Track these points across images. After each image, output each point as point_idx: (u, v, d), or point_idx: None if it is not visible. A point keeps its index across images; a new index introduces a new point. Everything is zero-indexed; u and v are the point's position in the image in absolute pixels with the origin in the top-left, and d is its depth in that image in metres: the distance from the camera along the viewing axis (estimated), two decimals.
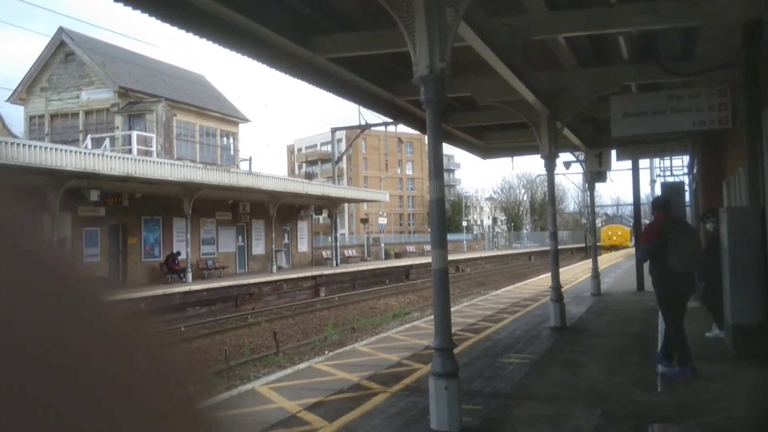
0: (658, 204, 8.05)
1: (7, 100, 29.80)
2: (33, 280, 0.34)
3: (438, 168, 5.80)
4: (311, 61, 9.71)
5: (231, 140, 34.79)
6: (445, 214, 5.94)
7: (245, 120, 35.50)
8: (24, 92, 30.03)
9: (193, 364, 0.38)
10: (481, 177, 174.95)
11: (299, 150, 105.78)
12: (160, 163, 23.42)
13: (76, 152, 19.94)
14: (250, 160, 34.37)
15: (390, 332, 12.31)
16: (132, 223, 26.55)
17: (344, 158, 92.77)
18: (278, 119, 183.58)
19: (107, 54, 29.49)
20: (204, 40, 8.02)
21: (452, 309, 16.06)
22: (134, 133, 26.50)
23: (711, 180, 12.96)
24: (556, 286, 11.67)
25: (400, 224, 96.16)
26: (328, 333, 21.05)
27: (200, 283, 26.08)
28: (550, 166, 11.79)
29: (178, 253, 27.47)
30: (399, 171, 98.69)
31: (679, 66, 10.28)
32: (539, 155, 12.27)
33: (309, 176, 78.02)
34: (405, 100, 12.68)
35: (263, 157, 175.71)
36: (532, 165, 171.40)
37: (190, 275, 26.72)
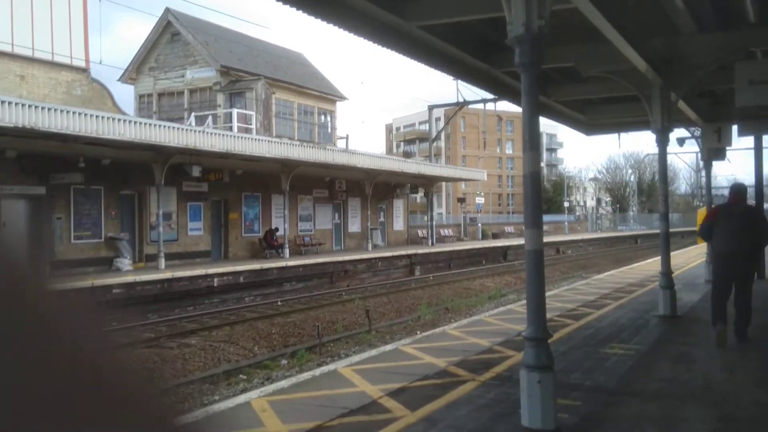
0: (731, 190, 9.26)
1: (119, 80, 31.24)
2: None
3: (533, 139, 5.23)
4: (403, 30, 9.26)
5: (328, 118, 34.98)
6: (541, 189, 5.37)
7: (342, 98, 35.58)
8: (134, 72, 31.35)
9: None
10: (585, 156, 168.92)
11: (397, 129, 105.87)
12: (258, 140, 23.79)
13: (177, 129, 20.50)
14: (347, 138, 34.41)
15: (482, 315, 11.81)
16: (233, 198, 27.22)
17: (442, 137, 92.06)
18: (376, 97, 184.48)
19: (210, 33, 30.24)
20: (292, 8, 7.77)
21: (550, 293, 15.34)
22: (234, 111, 27.07)
23: None
24: (667, 271, 10.73)
25: (499, 204, 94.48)
26: (422, 312, 20.75)
27: (297, 258, 26.45)
28: (663, 142, 10.80)
29: (277, 229, 27.95)
30: (498, 150, 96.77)
31: None
32: (650, 130, 11.29)
33: (407, 155, 77.91)
34: (502, 71, 12.00)
35: (360, 135, 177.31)
36: (640, 143, 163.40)
37: (287, 251, 27.15)
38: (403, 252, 32.17)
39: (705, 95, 14.37)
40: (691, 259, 23.83)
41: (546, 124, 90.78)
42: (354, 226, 34.44)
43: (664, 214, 10.85)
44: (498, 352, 8.20)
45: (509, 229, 54.91)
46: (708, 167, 16.76)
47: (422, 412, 5.62)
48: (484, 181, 47.35)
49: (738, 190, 9.21)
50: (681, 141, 18.86)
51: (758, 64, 9.30)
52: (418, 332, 13.83)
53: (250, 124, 27.62)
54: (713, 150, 15.08)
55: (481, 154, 69.03)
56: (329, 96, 34.79)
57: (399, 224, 39.26)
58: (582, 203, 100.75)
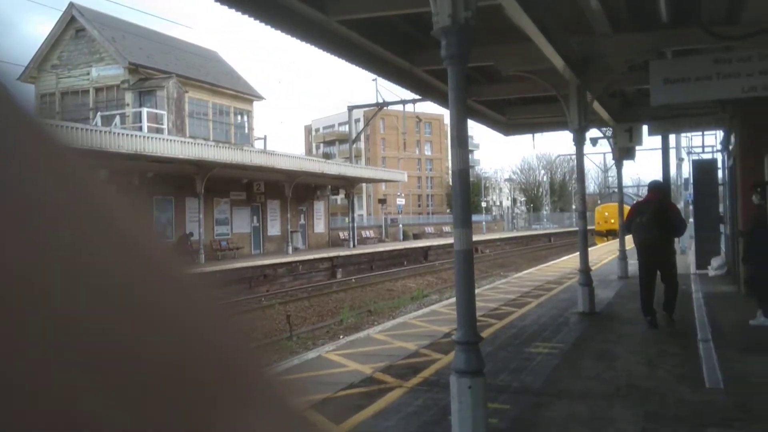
0: (648, 187, 10.41)
1: (18, 79, 29.23)
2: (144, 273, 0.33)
3: (461, 135, 5.04)
4: (323, 24, 8.94)
5: (245, 118, 34.10)
6: (470, 187, 5.18)
7: (259, 97, 34.76)
8: (35, 70, 29.50)
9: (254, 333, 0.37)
10: (501, 158, 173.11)
11: (317, 130, 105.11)
12: (170, 140, 22.82)
13: (80, 129, 19.36)
14: (264, 138, 33.66)
15: (407, 317, 11.61)
16: (145, 203, 25.98)
17: (362, 138, 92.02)
18: (295, 99, 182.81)
19: (117, 29, 28.85)
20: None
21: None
22: (144, 110, 25.89)
23: (751, 155, 12.02)
24: (585, 268, 10.88)
25: (419, 205, 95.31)
26: (344, 316, 20.45)
27: (213, 264, 25.57)
28: (580, 141, 10.94)
29: (191, 234, 26.95)
30: (417, 151, 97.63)
31: (724, 30, 9.35)
32: (566, 130, 11.44)
33: (327, 156, 77.32)
34: (424, 70, 11.86)
35: (280, 136, 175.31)
36: (551, 145, 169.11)
37: (203, 257, 26.22)
38: (324, 255, 31.76)
39: (616, 96, 14.76)
40: (603, 256, 24.61)
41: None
42: (274, 229, 33.71)
43: (582, 213, 11.00)
44: (425, 355, 8.00)
45: (429, 229, 55.40)
46: (619, 166, 17.27)
47: (348, 424, 5.32)
48: (404, 183, 47.54)
49: (653, 186, 10.15)
50: (594, 141, 19.41)
51: (672, 63, 9.52)
52: (341, 337, 13.54)
53: (162, 124, 26.51)
54: (624, 149, 15.53)
55: (401, 156, 69.40)
56: (245, 95, 33.92)
57: (320, 226, 38.79)
58: (498, 203, 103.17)
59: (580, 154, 11.18)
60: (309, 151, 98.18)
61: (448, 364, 7.34)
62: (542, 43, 8.75)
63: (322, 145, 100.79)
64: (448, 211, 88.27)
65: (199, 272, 0.36)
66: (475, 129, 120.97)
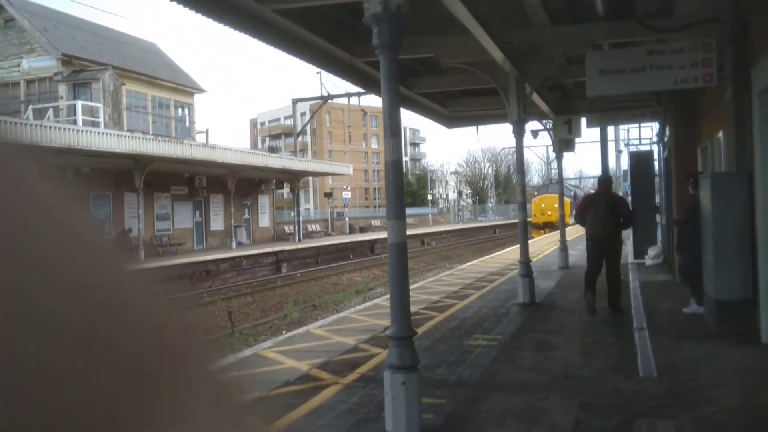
0: (598, 181, 10.92)
1: None
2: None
3: (394, 125, 4.91)
4: (257, 14, 8.68)
5: (186, 111, 33.28)
6: (403, 178, 5.06)
7: (200, 90, 33.97)
8: None
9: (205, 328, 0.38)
10: (448, 151, 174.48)
11: (262, 124, 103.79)
12: (106, 134, 22.04)
13: (12, 123, 18.52)
14: (207, 132, 32.97)
15: (348, 312, 11.48)
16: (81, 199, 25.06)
17: (308, 132, 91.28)
18: (241, 92, 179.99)
19: (50, 19, 27.69)
20: None
21: (416, 285, 15.31)
22: (79, 103, 24.94)
23: (685, 146, 12.33)
24: (525, 260, 10.94)
25: (366, 198, 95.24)
26: (288, 311, 20.19)
27: (153, 260, 24.89)
28: (519, 133, 10.98)
29: (130, 230, 26.14)
30: (364, 145, 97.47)
31: (657, 22, 9.50)
32: (506, 122, 11.45)
33: (272, 150, 76.36)
34: (364, 61, 11.69)
35: (224, 130, 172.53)
36: (496, 139, 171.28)
37: (142, 253, 25.49)
38: (269, 249, 31.32)
39: (555, 89, 14.92)
40: (545, 246, 24.99)
41: (409, 119, 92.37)
42: (217, 224, 33.07)
43: (522, 204, 11.05)
44: (363, 350, 7.88)
45: (376, 222, 55.35)
46: (559, 158, 17.51)
47: (281, 424, 5.14)
48: (351, 176, 47.31)
49: (603, 180, 10.79)
50: (535, 133, 19.62)
51: (607, 54, 9.60)
52: (284, 332, 13.30)
53: (98, 118, 25.60)
54: (564, 141, 15.74)
55: (346, 149, 69.11)
56: (186, 88, 33.09)
57: (265, 221, 38.27)
58: (445, 196, 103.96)
59: (519, 146, 11.23)
60: (255, 145, 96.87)
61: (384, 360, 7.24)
62: (480, 34, 8.70)
63: (267, 138, 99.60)
64: None
65: (141, 268, 0.36)
66: (422, 122, 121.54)
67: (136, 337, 0.32)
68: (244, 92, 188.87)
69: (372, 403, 5.59)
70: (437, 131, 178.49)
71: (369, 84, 12.85)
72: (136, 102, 29.90)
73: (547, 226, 40.84)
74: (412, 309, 10.77)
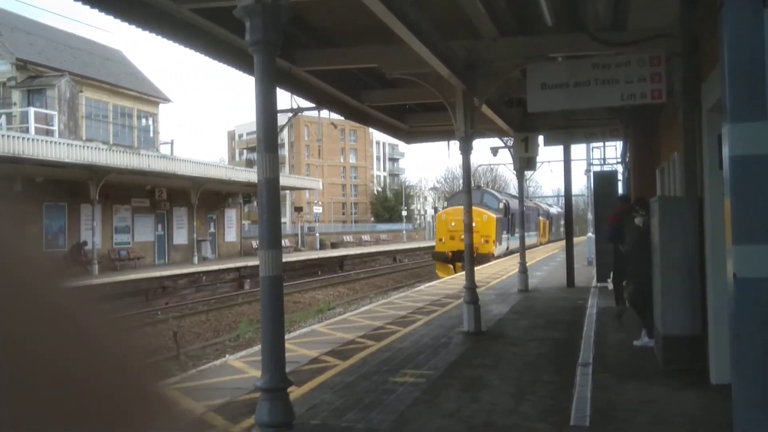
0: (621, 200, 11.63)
1: None
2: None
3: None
4: (174, 14, 7.97)
5: (150, 121, 32.38)
6: (279, 199, 4.33)
7: (165, 100, 33.11)
8: None
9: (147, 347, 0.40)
10: (426, 166, 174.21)
11: (240, 136, 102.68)
12: (57, 143, 21.11)
13: None
14: (171, 143, 32.22)
15: (287, 337, 10.68)
16: (31, 209, 24.06)
17: (285, 145, 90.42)
18: (218, 103, 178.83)
19: (5, 23, 26.76)
20: None
21: (364, 309, 14.54)
22: (32, 110, 24.00)
23: (644, 168, 11.77)
24: (471, 285, 10.25)
25: (343, 213, 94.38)
26: (241, 331, 19.35)
27: (107, 275, 23.86)
28: (466, 150, 10.34)
29: (85, 243, 25.16)
30: (342, 159, 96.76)
31: (610, 36, 8.94)
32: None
33: (249, 163, 75.33)
34: (305, 70, 11.01)
35: (202, 142, 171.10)
36: (476, 155, 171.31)
37: (96, 267, 24.48)
38: (231, 265, 30.40)
39: (513, 104, 14.34)
40: (512, 267, 24.35)
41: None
42: (180, 237, 32.07)
43: (468, 226, 10.36)
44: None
45: (348, 238, 54.58)
46: (520, 177, 16.90)
47: None
48: (327, 190, 46.60)
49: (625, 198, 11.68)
50: (494, 150, 19.04)
51: (550, 66, 8.95)
52: (229, 354, 12.46)
53: (52, 126, 24.65)
54: (524, 160, 15.14)
55: (322, 163, 68.39)
56: (150, 97, 32.20)
57: (231, 235, 37.33)
58: (423, 212, 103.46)
59: (467, 163, 10.58)
60: (232, 158, 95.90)
61: (300, 398, 6.48)
62: (416, 44, 8.04)
63: (246, 151, 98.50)
64: (372, 219, 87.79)
65: (85, 285, 0.36)
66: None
67: (73, 354, 0.31)
68: (221, 103, 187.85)
69: None
70: (416, 147, 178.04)
71: (311, 94, 12.18)
72: (97, 111, 28.98)
73: (458, 258, 26.15)
74: (350, 337, 10.07)
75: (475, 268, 25.93)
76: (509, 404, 6.30)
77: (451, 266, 28.00)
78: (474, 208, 24.69)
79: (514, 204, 32.33)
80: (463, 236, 22.78)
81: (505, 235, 32.22)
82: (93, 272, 24.24)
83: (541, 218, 47.91)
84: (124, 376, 0.33)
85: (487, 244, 28.60)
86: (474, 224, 24.44)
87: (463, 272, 18.96)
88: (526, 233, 33.11)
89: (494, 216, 29.51)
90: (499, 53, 9.97)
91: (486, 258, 27.54)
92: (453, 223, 27.97)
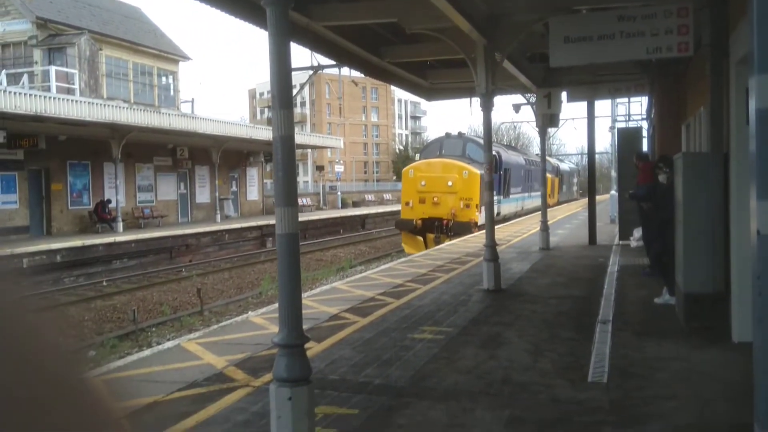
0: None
1: None
2: None
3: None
4: None
5: (170, 79, 32.34)
6: (294, 156, 4.29)
7: (185, 57, 32.98)
8: None
9: (71, 330, 0.38)
10: (449, 124, 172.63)
11: (261, 95, 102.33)
12: (78, 101, 21.19)
13: None
14: (192, 101, 32.16)
15: (304, 295, 10.78)
16: (56, 167, 24.36)
17: (307, 104, 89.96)
18: (239, 61, 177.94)
19: None
20: None
21: (384, 266, 14.63)
22: (53, 69, 24.06)
23: (669, 123, 11.50)
24: (491, 243, 10.20)
25: (365, 172, 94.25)
26: (263, 288, 19.56)
27: (132, 233, 24.20)
28: (487, 107, 10.16)
29: (109, 201, 25.46)
30: (364, 117, 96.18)
31: None
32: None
33: (270, 122, 75.07)
34: (323, 25, 10.84)
35: (221, 100, 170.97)
36: (499, 112, 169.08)
37: (120, 225, 24.80)
38: (254, 223, 30.62)
39: (537, 59, 14.03)
40: (534, 225, 24.21)
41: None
42: (203, 196, 32.33)
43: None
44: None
45: (370, 197, 54.58)
46: (542, 134, 16.65)
47: None
48: (349, 149, 46.46)
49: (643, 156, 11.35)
50: (516, 107, 18.72)
51: (574, 19, 8.68)
52: (253, 310, 12.64)
53: (73, 84, 24.72)
54: (547, 116, 14.88)
55: (344, 121, 68.03)
56: (170, 55, 32.09)
57: (254, 194, 37.53)
58: None
59: (488, 121, 10.42)
60: (253, 116, 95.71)
61: (316, 354, 6.56)
62: (440, 2, 7.84)
63: (267, 109, 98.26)
64: (394, 178, 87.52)
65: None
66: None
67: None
68: (242, 62, 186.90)
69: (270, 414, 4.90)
70: (438, 104, 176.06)
71: (332, 50, 12.02)
72: (117, 69, 28.99)
73: (436, 227, 22.06)
74: (371, 294, 10.13)
75: (509, 223, 25.29)
76: (527, 361, 6.32)
77: (421, 239, 22.40)
78: (452, 161, 21.58)
79: (508, 156, 28.07)
80: (435, 198, 20.77)
81: (495, 198, 29.74)
82: (118, 230, 24.58)
83: (549, 175, 43.52)
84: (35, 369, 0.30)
85: (467, 209, 21.80)
86: (450, 183, 20.84)
87: (439, 246, 18.21)
88: (527, 194, 32.50)
89: (478, 172, 20.58)
90: (520, 6, 9.73)
91: (465, 228, 21.47)
92: (423, 182, 22.44)
